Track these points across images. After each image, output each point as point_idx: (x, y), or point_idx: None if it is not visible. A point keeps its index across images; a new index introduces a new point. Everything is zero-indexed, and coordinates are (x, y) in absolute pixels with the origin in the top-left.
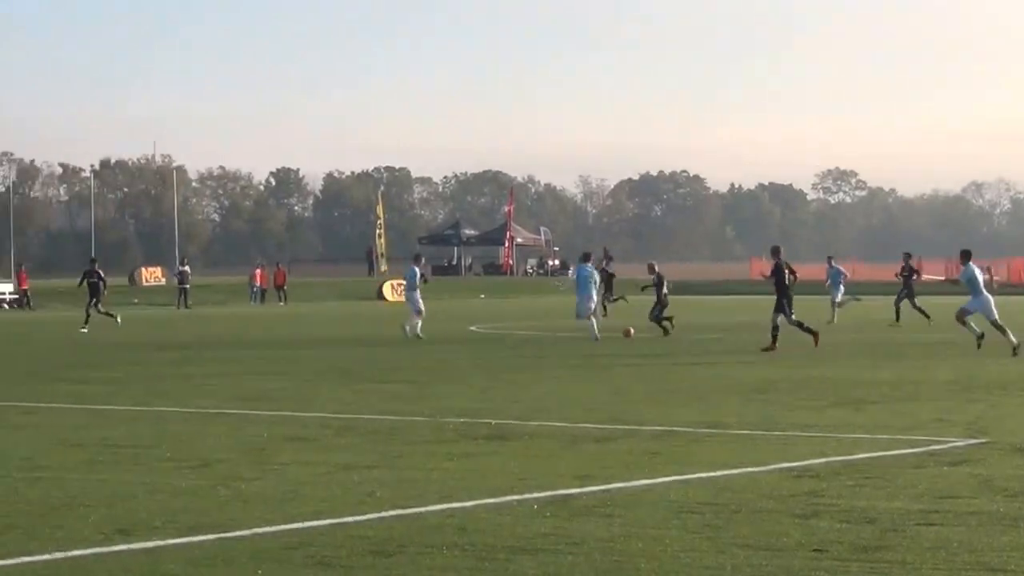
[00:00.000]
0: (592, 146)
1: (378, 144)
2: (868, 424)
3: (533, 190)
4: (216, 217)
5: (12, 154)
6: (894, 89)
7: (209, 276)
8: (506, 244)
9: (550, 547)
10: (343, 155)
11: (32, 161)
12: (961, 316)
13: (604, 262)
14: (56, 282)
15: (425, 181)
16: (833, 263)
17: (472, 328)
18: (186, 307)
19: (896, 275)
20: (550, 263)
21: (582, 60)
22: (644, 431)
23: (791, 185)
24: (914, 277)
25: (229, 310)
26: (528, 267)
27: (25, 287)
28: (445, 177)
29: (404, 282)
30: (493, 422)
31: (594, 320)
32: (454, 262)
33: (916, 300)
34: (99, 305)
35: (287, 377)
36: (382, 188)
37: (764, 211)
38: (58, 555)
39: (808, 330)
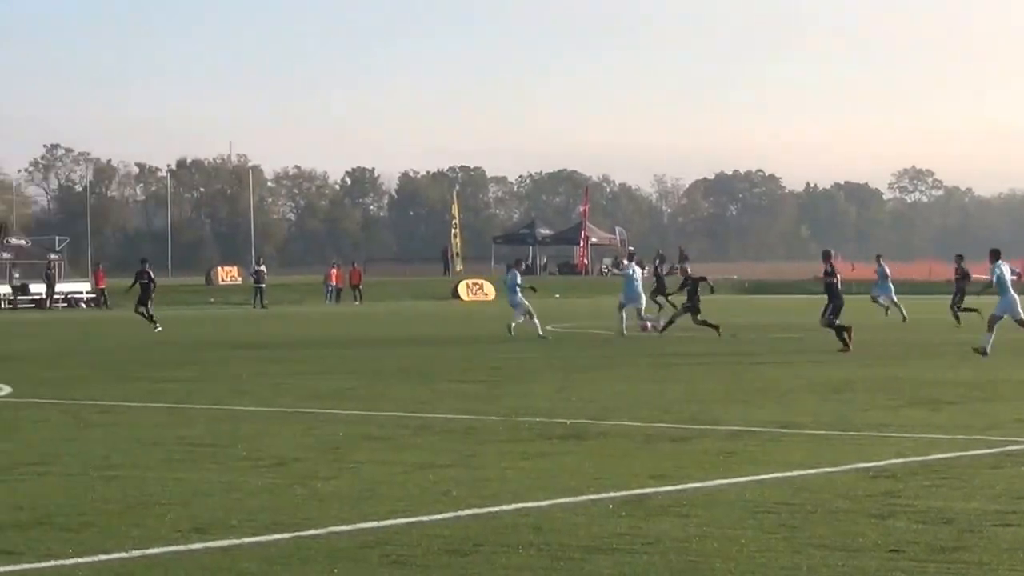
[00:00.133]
0: (666, 147)
1: (453, 144)
2: (945, 424)
3: (608, 190)
4: (292, 216)
5: (89, 154)
6: (971, 88)
7: (285, 275)
8: (581, 244)
9: (625, 547)
10: (418, 155)
11: (109, 161)
12: (992, 323)
13: (657, 262)
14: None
15: (500, 180)
16: (881, 261)
17: (547, 328)
18: (262, 306)
19: (953, 278)
20: (624, 263)
21: (655, 61)
22: (719, 431)
23: (867, 184)
24: (966, 280)
25: (305, 309)
26: (603, 266)
27: (102, 286)
28: (520, 176)
29: (480, 282)
30: (568, 422)
31: (623, 315)
32: (529, 262)
33: (961, 304)
34: (149, 305)
35: (362, 376)
36: (457, 187)
37: (840, 210)
38: (135, 553)
39: (841, 337)
